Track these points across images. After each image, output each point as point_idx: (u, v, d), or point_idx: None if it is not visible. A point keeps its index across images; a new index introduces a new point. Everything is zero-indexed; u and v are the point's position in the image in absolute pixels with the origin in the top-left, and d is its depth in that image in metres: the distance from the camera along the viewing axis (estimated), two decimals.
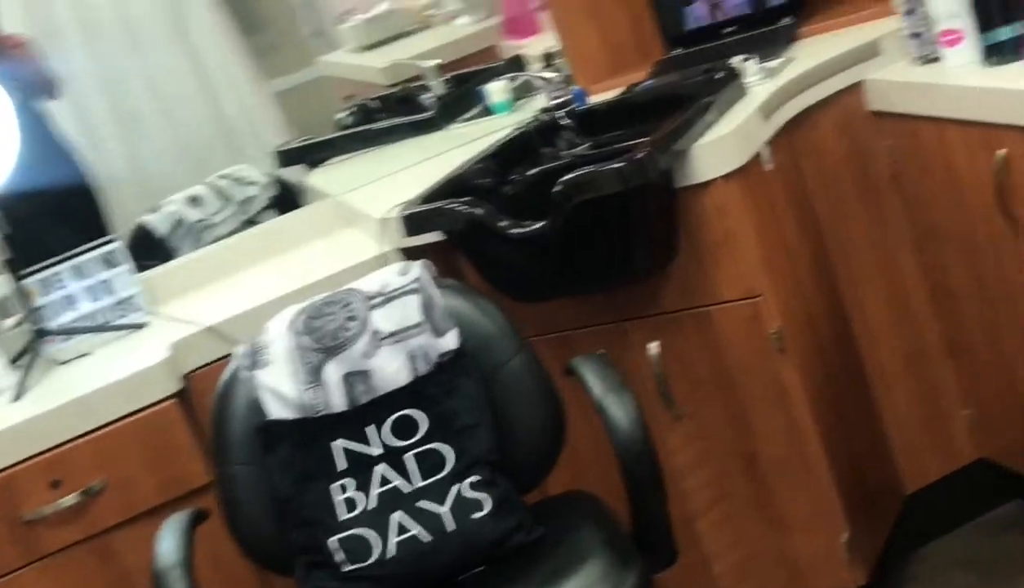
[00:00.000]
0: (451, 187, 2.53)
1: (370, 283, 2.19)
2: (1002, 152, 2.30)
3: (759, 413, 2.49)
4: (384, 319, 2.14)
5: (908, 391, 2.77)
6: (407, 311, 2.15)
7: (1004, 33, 2.36)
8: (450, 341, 2.16)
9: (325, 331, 2.13)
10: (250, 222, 3.50)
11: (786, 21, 2.91)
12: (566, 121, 2.65)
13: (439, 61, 3.54)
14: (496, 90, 3.28)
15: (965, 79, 2.39)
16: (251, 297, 2.64)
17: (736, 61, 2.67)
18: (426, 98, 3.50)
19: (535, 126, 2.76)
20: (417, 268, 2.19)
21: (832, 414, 2.55)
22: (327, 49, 4.70)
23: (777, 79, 2.59)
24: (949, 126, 2.45)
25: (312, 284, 2.56)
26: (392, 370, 2.13)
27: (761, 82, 2.60)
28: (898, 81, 2.57)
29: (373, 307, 2.15)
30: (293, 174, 3.64)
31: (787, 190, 2.55)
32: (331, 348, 2.13)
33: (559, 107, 2.64)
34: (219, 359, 2.46)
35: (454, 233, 2.43)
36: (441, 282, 2.22)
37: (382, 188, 2.97)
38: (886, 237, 2.71)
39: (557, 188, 2.27)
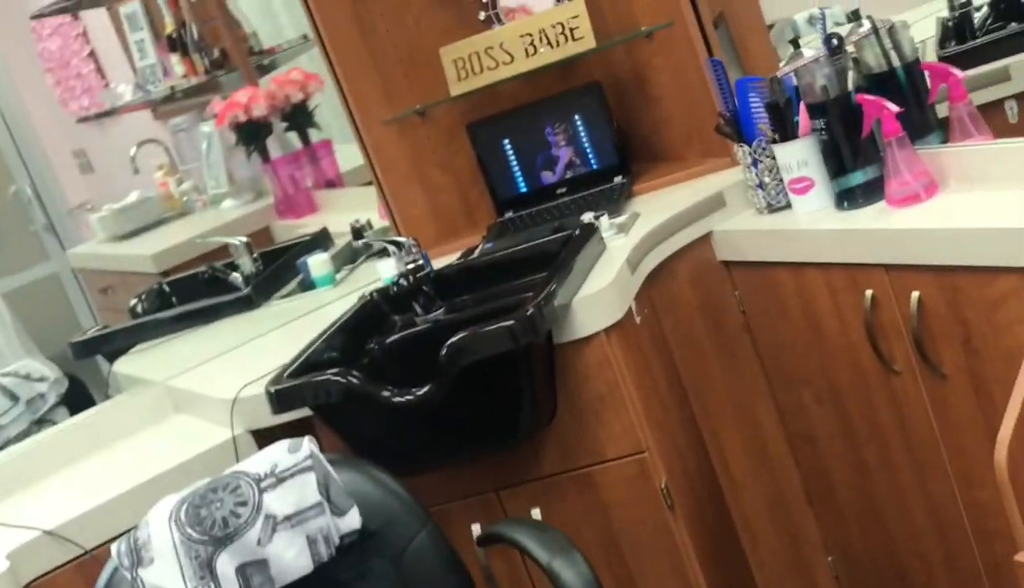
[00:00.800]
0: (309, 362, 2.38)
1: (257, 464, 2.01)
2: (870, 292, 2.34)
3: (650, 575, 2.41)
4: (278, 502, 1.96)
5: (772, 539, 2.75)
6: (303, 491, 1.98)
7: (856, 179, 2.42)
8: (352, 520, 2.00)
9: (212, 520, 1.94)
10: (41, 422, 3.27)
11: (619, 179, 2.92)
12: (423, 286, 2.55)
13: (246, 238, 3.40)
14: (317, 263, 3.16)
15: (822, 223, 2.44)
16: (89, 495, 2.40)
17: (587, 217, 2.65)
18: (236, 276, 3.35)
19: (383, 295, 2.65)
20: (307, 444, 2.03)
21: (716, 569, 2.49)
22: (69, 243, 4.51)
23: (632, 234, 2.58)
24: (807, 270, 2.49)
25: (162, 474, 2.36)
26: (291, 556, 1.95)
27: (615, 237, 2.59)
28: (748, 230, 2.60)
29: (264, 490, 1.97)
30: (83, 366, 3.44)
31: (652, 342, 2.52)
32: (221, 538, 1.93)
33: (414, 272, 2.54)
34: (65, 564, 2.23)
35: (325, 406, 2.28)
36: (331, 457, 2.06)
37: (213, 370, 2.80)
38: (742, 385, 2.71)
39: (444, 351, 2.17)
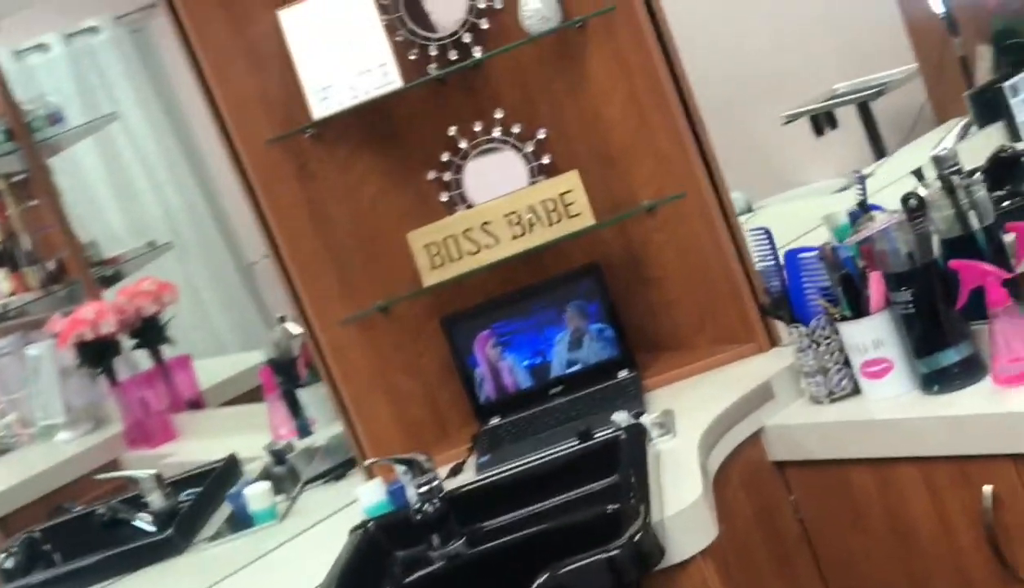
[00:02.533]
0: None
1: None
2: (989, 487, 1.99)
3: None
4: None
5: None
6: None
7: (949, 357, 2.09)
8: None
9: None
10: None
11: (626, 374, 2.53)
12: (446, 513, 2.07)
13: (155, 471, 2.85)
14: (258, 495, 2.63)
15: (914, 411, 2.10)
16: None
17: (621, 417, 2.24)
18: (144, 516, 2.78)
19: (382, 527, 2.16)
20: None
21: None
22: None
23: (681, 434, 2.18)
24: (896, 467, 2.13)
25: None
26: None
27: (661, 439, 2.18)
28: (810, 423, 2.23)
29: None
30: None
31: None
32: None
33: (435, 496, 2.06)
34: None
35: None
36: None
37: None
38: None
39: None
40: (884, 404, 2.16)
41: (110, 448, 3.53)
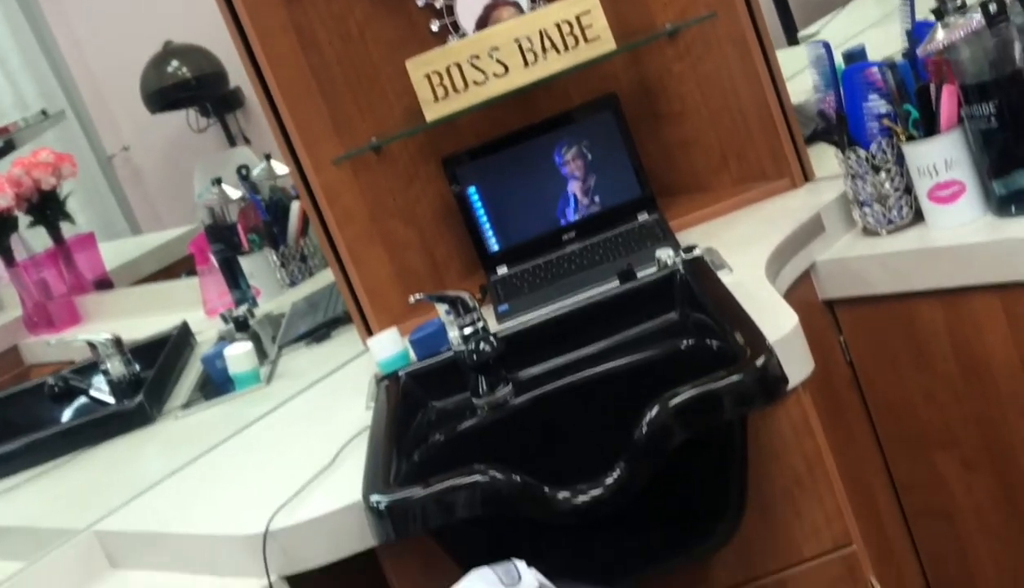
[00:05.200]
0: (397, 465, 1.64)
1: None
2: None
3: None
4: None
5: None
6: None
7: None
8: None
9: None
10: None
11: (646, 216, 2.32)
12: (494, 358, 1.84)
13: (113, 335, 2.56)
14: (239, 358, 2.37)
15: (994, 235, 1.93)
16: None
17: (665, 254, 2.03)
18: (101, 385, 2.50)
19: (414, 376, 1.93)
20: (527, 570, 1.30)
21: None
22: None
23: (738, 270, 1.99)
24: (971, 297, 1.97)
25: None
26: None
27: (721, 273, 1.98)
28: (873, 255, 2.06)
29: None
30: None
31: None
32: None
33: (483, 339, 1.82)
34: None
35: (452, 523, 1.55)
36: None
37: (160, 505, 1.96)
38: (855, 453, 2.15)
39: (644, 430, 1.49)
40: (954, 231, 1.99)
41: (8, 333, 3.20)
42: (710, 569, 1.73)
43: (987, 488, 2.07)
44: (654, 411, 1.50)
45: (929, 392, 2.08)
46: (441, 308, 1.90)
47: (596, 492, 1.51)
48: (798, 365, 1.70)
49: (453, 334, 1.87)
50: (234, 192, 2.89)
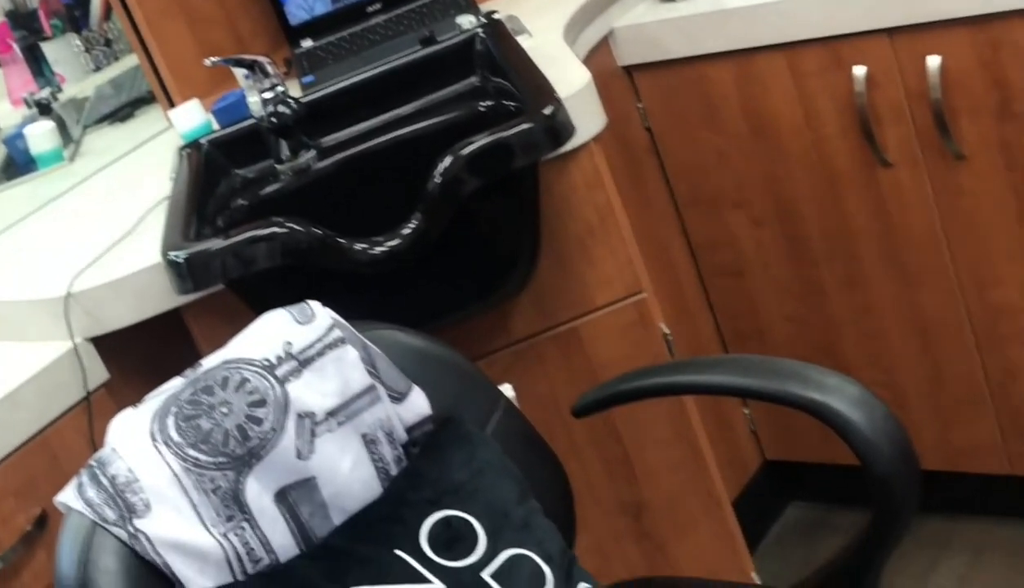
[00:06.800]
0: (196, 225, 1.66)
1: (256, 346, 1.31)
2: (862, 68, 1.94)
3: (650, 446, 1.90)
4: (311, 393, 1.29)
5: None
6: (345, 373, 1.31)
7: None
8: (417, 404, 1.36)
9: (224, 432, 1.24)
10: None
11: None
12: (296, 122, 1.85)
13: None
14: (41, 136, 2.33)
15: None
16: None
17: (465, 20, 2.05)
18: None
19: (216, 144, 1.94)
20: (321, 309, 1.35)
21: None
22: None
23: (539, 34, 2.02)
24: (760, 57, 2.05)
25: None
26: (346, 468, 1.29)
27: (521, 38, 2.01)
28: (665, 19, 2.12)
29: (285, 379, 1.28)
30: None
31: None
32: (243, 457, 1.24)
33: (282, 102, 1.83)
34: None
35: (248, 276, 1.58)
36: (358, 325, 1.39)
37: None
38: (653, 217, 2.24)
39: (438, 180, 1.54)
40: None
41: None
42: (508, 318, 1.80)
43: (775, 243, 2.18)
44: (447, 161, 1.54)
45: (721, 153, 2.16)
46: (239, 73, 1.89)
47: (393, 242, 1.56)
48: (590, 119, 1.75)
49: (253, 99, 1.87)
50: None
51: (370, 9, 2.35)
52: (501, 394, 1.43)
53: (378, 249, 1.55)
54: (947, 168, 1.95)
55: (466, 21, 2.04)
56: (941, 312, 2.07)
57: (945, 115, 1.88)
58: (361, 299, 1.65)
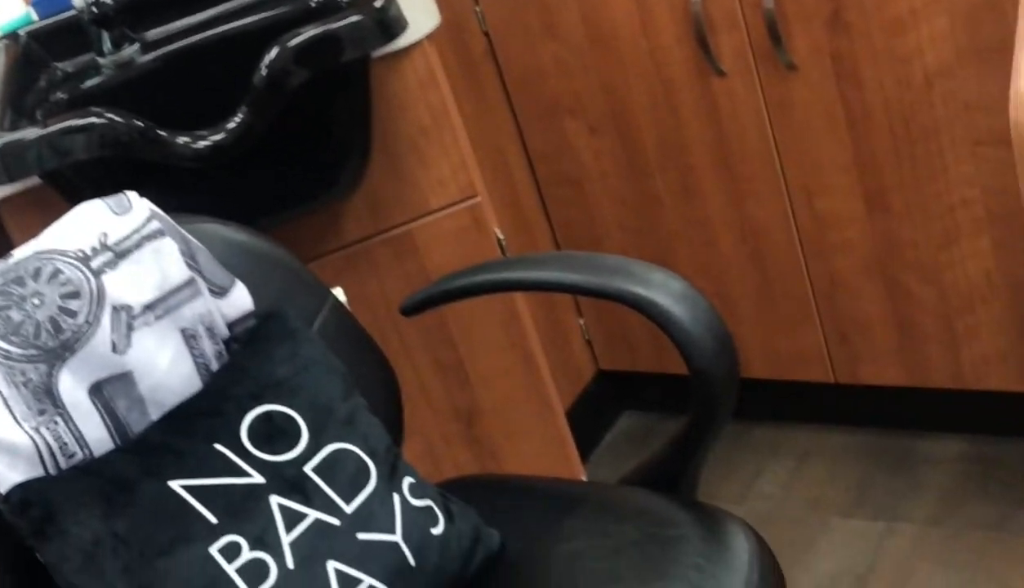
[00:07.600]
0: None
1: (70, 238, 1.26)
2: None
3: (481, 348, 1.90)
4: (127, 286, 1.25)
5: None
6: (163, 266, 1.28)
7: None
8: (240, 299, 1.33)
9: (36, 324, 1.20)
10: None
11: None
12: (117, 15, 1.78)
13: None
14: None
15: None
16: None
17: None
18: None
19: (35, 36, 1.86)
20: (138, 199, 1.31)
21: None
22: None
23: None
24: None
25: None
26: (165, 363, 1.25)
27: None
28: None
29: (100, 271, 1.24)
30: None
31: None
32: (56, 349, 1.20)
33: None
34: None
35: (67, 169, 1.53)
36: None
37: None
38: (493, 125, 2.22)
39: (264, 73, 1.50)
40: None
41: None
42: (341, 221, 1.78)
43: (611, 153, 2.19)
44: (273, 52, 1.51)
45: (560, 61, 2.15)
46: None
47: (218, 136, 1.52)
48: (424, 16, 1.73)
49: None
50: None
51: None
52: (328, 292, 1.41)
53: (202, 143, 1.50)
54: (779, 78, 1.97)
55: None
56: (770, 222, 2.10)
57: (778, 24, 1.90)
58: (187, 197, 1.60)
